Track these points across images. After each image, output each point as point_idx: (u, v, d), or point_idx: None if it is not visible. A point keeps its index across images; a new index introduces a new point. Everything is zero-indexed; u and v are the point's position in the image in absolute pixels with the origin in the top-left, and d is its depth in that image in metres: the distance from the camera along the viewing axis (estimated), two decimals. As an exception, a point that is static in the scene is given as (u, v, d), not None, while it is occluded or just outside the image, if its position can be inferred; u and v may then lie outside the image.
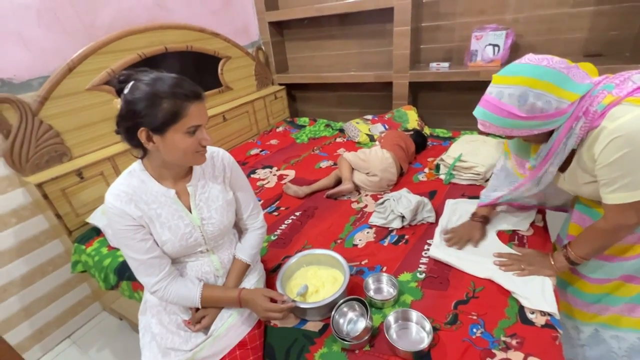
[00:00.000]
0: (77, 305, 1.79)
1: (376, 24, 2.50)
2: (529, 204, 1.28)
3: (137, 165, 0.87)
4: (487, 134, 2.11)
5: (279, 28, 2.86)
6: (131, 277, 1.30)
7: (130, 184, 0.85)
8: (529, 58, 0.84)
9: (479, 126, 0.93)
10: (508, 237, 1.22)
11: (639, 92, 0.78)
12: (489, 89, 0.88)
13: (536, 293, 0.94)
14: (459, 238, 1.20)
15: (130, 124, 0.76)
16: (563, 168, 0.97)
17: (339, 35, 2.71)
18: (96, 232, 1.56)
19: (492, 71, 2.02)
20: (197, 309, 0.96)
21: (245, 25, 2.67)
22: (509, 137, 0.94)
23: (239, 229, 1.13)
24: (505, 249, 1.16)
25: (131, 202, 0.83)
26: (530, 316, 0.91)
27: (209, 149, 0.97)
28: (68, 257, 1.63)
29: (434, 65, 2.30)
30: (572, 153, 0.92)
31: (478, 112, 0.91)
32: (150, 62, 1.89)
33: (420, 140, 2.03)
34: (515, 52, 2.08)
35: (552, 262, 1.02)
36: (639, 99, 0.76)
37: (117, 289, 1.43)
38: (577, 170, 0.92)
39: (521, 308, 0.93)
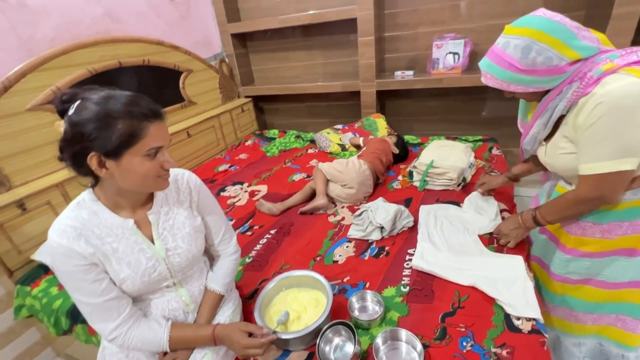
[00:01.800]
0: (24, 354, 1.56)
1: (341, 35, 2.52)
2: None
3: (87, 195, 0.76)
4: (454, 140, 2.17)
5: (242, 40, 2.79)
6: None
7: (78, 216, 0.73)
8: (543, 12, 0.84)
9: (482, 78, 0.93)
10: (487, 240, 1.23)
11: (639, 64, 0.77)
12: (498, 39, 0.88)
13: (519, 299, 0.94)
14: (481, 183, 1.41)
15: (77, 148, 0.66)
16: (547, 138, 0.97)
17: (305, 46, 2.69)
18: (43, 270, 1.38)
19: (454, 78, 2.13)
20: (165, 353, 0.85)
21: (206, 38, 2.57)
22: (510, 94, 0.94)
23: (210, 256, 1.03)
24: (487, 252, 1.17)
25: (80, 237, 0.72)
26: (516, 322, 0.90)
27: (172, 171, 0.88)
28: (10, 300, 1.42)
29: (398, 73, 2.34)
30: (558, 124, 0.91)
31: (483, 62, 0.91)
32: (103, 78, 1.74)
33: (402, 154, 2.02)
34: (474, 59, 2.17)
35: (520, 221, 1.09)
36: (636, 70, 0.76)
37: (70, 333, 1.26)
38: (559, 140, 0.92)
39: (507, 315, 0.92)
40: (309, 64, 2.76)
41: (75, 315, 1.19)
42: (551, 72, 0.83)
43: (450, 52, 2.16)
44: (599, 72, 0.79)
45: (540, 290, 1.14)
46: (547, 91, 0.89)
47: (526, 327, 0.88)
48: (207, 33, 2.58)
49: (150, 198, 0.83)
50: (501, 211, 1.36)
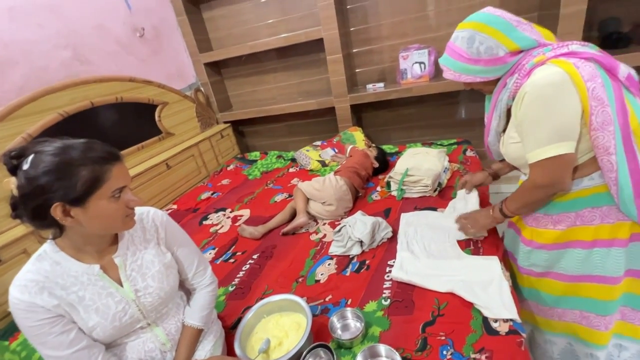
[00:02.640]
0: (9, 412, 1.50)
1: (311, 54, 2.59)
2: None
3: (48, 247, 0.76)
4: (430, 145, 2.22)
5: (216, 68, 2.85)
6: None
7: (40, 269, 0.73)
8: (488, 9, 0.92)
9: (443, 73, 1.00)
10: (464, 243, 1.24)
11: (566, 56, 0.82)
12: (451, 35, 0.95)
13: (495, 300, 0.95)
14: (464, 182, 1.39)
15: (39, 201, 0.66)
16: (504, 130, 1.02)
17: (278, 68, 2.76)
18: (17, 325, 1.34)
19: (423, 86, 2.20)
20: (144, 397, 0.84)
21: (179, 69, 2.62)
22: (466, 85, 0.99)
23: (187, 291, 1.02)
24: (464, 256, 1.18)
25: (43, 291, 0.71)
26: (494, 325, 0.91)
27: (138, 210, 0.88)
28: (-10, 357, 1.38)
29: (370, 86, 2.40)
30: (509, 114, 0.97)
31: (442, 58, 0.99)
32: (76, 119, 1.76)
33: (382, 166, 2.03)
34: (439, 67, 2.24)
35: (491, 213, 1.10)
36: (562, 61, 0.81)
37: (53, 385, 1.22)
38: (510, 129, 0.97)
39: (485, 318, 0.93)
40: (284, 84, 2.82)
41: (56, 366, 1.16)
42: (494, 62, 0.89)
43: (416, 62, 2.24)
44: (531, 64, 0.85)
45: (513, 284, 1.16)
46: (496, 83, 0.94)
47: (503, 328, 0.89)
48: (179, 65, 2.62)
49: (114, 241, 0.83)
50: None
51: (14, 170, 0.67)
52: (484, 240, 1.23)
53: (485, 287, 1.01)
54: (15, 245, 1.40)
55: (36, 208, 0.67)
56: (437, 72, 2.26)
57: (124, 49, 2.16)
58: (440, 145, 2.23)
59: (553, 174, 0.87)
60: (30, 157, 0.67)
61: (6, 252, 1.37)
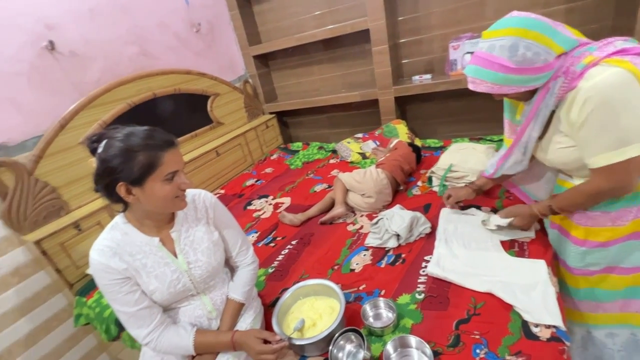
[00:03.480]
0: (84, 358, 1.77)
1: (357, 46, 2.57)
2: (526, 194, 1.29)
3: (119, 219, 0.89)
4: (478, 141, 2.11)
5: (264, 60, 2.95)
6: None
7: (113, 237, 0.86)
8: (517, 13, 0.86)
9: (469, 85, 0.94)
10: (508, 244, 1.19)
11: (619, 54, 0.79)
12: (480, 44, 0.89)
13: (538, 305, 0.91)
14: (447, 196, 1.39)
15: (108, 180, 0.78)
16: (541, 136, 0.98)
17: (324, 59, 2.78)
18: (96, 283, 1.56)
19: (474, 78, 2.08)
20: (194, 357, 0.94)
21: (230, 62, 2.76)
22: (499, 96, 0.96)
23: (231, 268, 1.12)
24: (506, 257, 1.13)
25: (115, 255, 0.84)
26: (534, 330, 0.87)
27: (190, 191, 0.98)
28: (71, 310, 1.63)
29: (416, 78, 2.33)
30: (550, 119, 0.93)
31: (469, 69, 0.92)
32: (140, 109, 1.96)
33: (416, 155, 1.99)
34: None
35: (535, 211, 1.07)
36: (618, 60, 0.77)
37: (118, 339, 1.42)
38: (554, 135, 0.93)
39: (525, 322, 0.90)
40: (329, 76, 2.84)
41: (121, 323, 1.34)
42: (542, 69, 0.84)
43: (468, 52, 2.12)
44: (582, 66, 0.80)
45: (563, 289, 1.10)
46: (534, 90, 0.89)
47: (545, 334, 0.85)
48: (231, 57, 2.77)
49: (172, 218, 0.94)
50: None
51: (93, 152, 0.79)
52: (530, 242, 1.16)
53: (527, 290, 0.97)
54: (92, 217, 1.62)
55: (107, 185, 0.79)
56: (491, 62, 2.12)
57: (182, 44, 2.34)
58: (490, 141, 2.11)
59: (621, 178, 0.83)
60: (104, 142, 0.78)
61: (85, 223, 1.60)
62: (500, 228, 1.20)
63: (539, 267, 1.04)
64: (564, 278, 1.10)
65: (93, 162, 0.79)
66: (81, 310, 1.53)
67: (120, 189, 0.78)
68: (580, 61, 0.81)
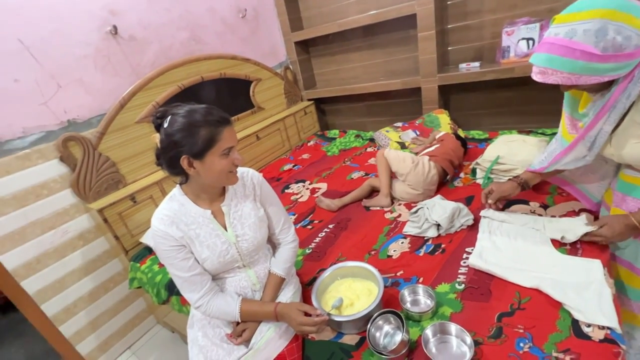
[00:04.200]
0: (135, 318, 1.95)
1: (400, 31, 2.50)
2: (582, 192, 1.20)
3: (176, 191, 0.96)
4: (527, 134, 1.99)
5: (304, 46, 2.96)
6: (180, 293, 1.39)
7: (171, 207, 0.93)
8: None
9: (536, 76, 0.86)
10: (559, 243, 1.13)
11: None
12: (554, 30, 0.80)
13: (592, 305, 0.86)
14: (488, 191, 1.26)
15: (172, 153, 0.84)
16: (612, 129, 0.89)
17: (364, 46, 2.74)
18: (148, 250, 1.70)
19: (528, 66, 1.94)
20: (238, 323, 1.01)
21: (273, 48, 2.81)
22: (570, 87, 0.87)
23: (273, 245, 1.17)
24: (557, 255, 1.08)
25: (173, 224, 0.91)
26: (586, 330, 0.83)
27: (240, 170, 1.03)
28: (126, 274, 1.80)
29: (463, 66, 2.23)
30: (626, 111, 0.84)
31: (538, 59, 0.83)
32: (189, 91, 2.06)
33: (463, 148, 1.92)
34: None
35: (633, 220, 0.93)
36: None
37: (167, 303, 1.55)
38: (630, 127, 0.84)
39: (575, 321, 0.86)
40: (369, 63, 2.79)
41: (171, 288, 1.46)
42: (633, 55, 0.75)
43: (523, 38, 1.98)
44: None
45: (623, 290, 1.04)
46: (611, 80, 0.80)
47: (598, 335, 0.81)
48: (273, 43, 2.81)
49: (223, 193, 1.00)
50: (579, 211, 1.23)
51: (158, 127, 0.86)
52: (584, 241, 1.09)
53: (580, 290, 0.92)
54: (145, 191, 1.76)
55: (171, 158, 0.85)
56: (549, 49, 1.97)
57: (229, 29, 2.41)
58: (542, 134, 1.98)
59: None
60: (169, 118, 0.84)
61: (140, 196, 1.73)
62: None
63: (594, 267, 0.98)
64: (626, 281, 1.02)
65: (156, 138, 0.86)
66: (135, 274, 1.68)
67: (184, 162, 0.84)
68: None
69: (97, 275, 1.76)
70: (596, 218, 1.20)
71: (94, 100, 1.71)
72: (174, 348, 1.85)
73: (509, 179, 1.28)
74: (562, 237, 1.10)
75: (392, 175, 1.70)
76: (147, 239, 1.68)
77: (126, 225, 1.70)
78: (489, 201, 1.26)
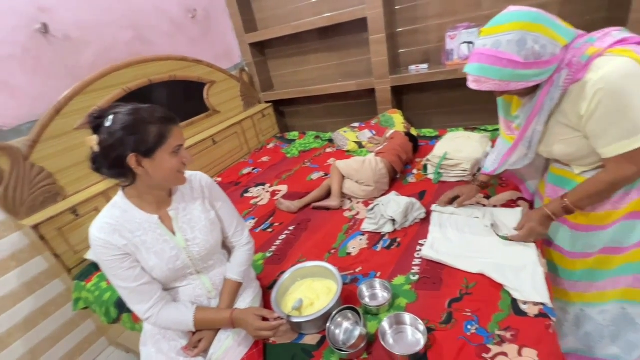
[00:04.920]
0: (83, 342, 1.79)
1: (354, 35, 2.57)
2: (523, 182, 1.32)
3: (118, 197, 0.90)
4: (473, 130, 2.14)
5: (260, 48, 2.93)
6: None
7: (113, 215, 0.87)
8: (514, 8, 0.85)
9: (471, 84, 0.91)
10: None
11: (620, 44, 0.81)
12: (482, 42, 0.87)
13: (527, 284, 0.95)
14: (447, 195, 1.35)
15: (118, 152, 0.79)
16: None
17: (320, 48, 2.77)
18: (95, 267, 1.57)
19: (469, 68, 2.10)
20: (194, 333, 0.97)
21: (226, 49, 2.74)
22: (503, 93, 0.94)
23: (229, 250, 1.14)
24: (497, 240, 1.17)
25: (115, 232, 0.85)
26: (523, 307, 0.91)
27: (187, 173, 1.00)
28: (69, 295, 1.64)
29: (413, 68, 2.34)
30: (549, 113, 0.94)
31: (472, 68, 0.89)
32: (136, 95, 1.94)
33: (413, 145, 2.02)
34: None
35: (548, 213, 1.03)
36: (622, 50, 0.79)
37: (118, 322, 1.44)
38: (554, 127, 0.94)
39: (514, 300, 0.93)
40: (325, 65, 2.83)
41: (122, 305, 1.36)
42: (550, 62, 0.83)
43: (464, 42, 2.13)
44: (586, 57, 0.81)
45: (557, 271, 1.15)
46: (535, 85, 0.90)
47: (532, 311, 0.89)
48: (227, 45, 2.74)
49: (169, 197, 0.95)
50: (517, 200, 1.35)
51: (96, 128, 0.80)
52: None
53: (517, 271, 1.01)
54: (89, 203, 1.62)
55: (116, 158, 0.79)
56: (487, 52, 2.14)
57: (178, 30, 2.31)
58: (484, 130, 2.14)
59: (638, 163, 0.85)
60: (111, 117, 0.79)
61: (83, 208, 1.60)
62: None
63: (529, 250, 1.08)
64: (559, 263, 1.13)
65: (92, 140, 0.80)
66: (80, 294, 1.54)
67: (131, 160, 0.79)
68: (583, 52, 0.81)
69: (34, 299, 1.59)
70: (531, 206, 1.33)
71: (22, 106, 1.55)
72: (129, 369, 1.73)
73: (469, 182, 1.36)
74: (492, 225, 1.21)
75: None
76: (92, 255, 1.55)
77: (67, 242, 1.55)
78: (454, 205, 1.35)
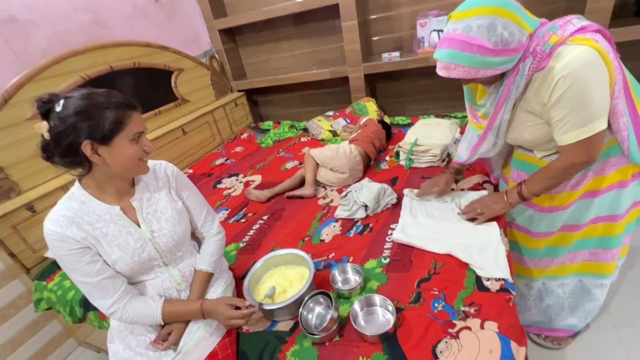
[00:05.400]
0: (49, 344, 1.70)
1: (326, 21, 2.53)
2: (490, 166, 1.38)
3: (75, 188, 0.84)
4: (443, 117, 2.18)
5: (230, 35, 2.83)
6: (97, 306, 1.25)
7: (69, 207, 0.82)
8: None
9: (440, 71, 0.89)
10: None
11: (580, 32, 0.83)
12: (451, 27, 0.84)
13: (490, 262, 0.99)
14: (425, 186, 1.34)
15: (71, 139, 0.73)
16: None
17: (292, 35, 2.72)
18: (57, 266, 1.48)
19: (440, 55, 2.13)
20: (163, 326, 0.94)
21: (194, 36, 2.63)
22: (470, 81, 0.93)
23: (199, 241, 1.11)
24: (465, 223, 1.21)
25: (72, 224, 0.80)
26: (486, 283, 0.95)
27: (151, 162, 0.96)
28: (30, 296, 1.55)
29: (385, 55, 2.35)
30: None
31: (441, 54, 0.86)
32: (97, 83, 1.82)
33: (386, 132, 2.05)
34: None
35: (506, 199, 1.08)
36: (582, 38, 0.81)
37: (85, 321, 1.38)
38: (520, 115, 0.96)
39: (478, 278, 0.98)
40: (298, 53, 2.78)
41: (87, 304, 1.30)
42: (517, 50, 0.83)
43: (434, 30, 2.16)
44: (549, 46, 0.82)
45: (520, 251, 1.22)
46: (501, 74, 0.90)
47: (494, 286, 0.93)
48: (195, 31, 2.63)
49: (132, 187, 0.91)
50: (483, 183, 1.40)
51: (46, 114, 0.74)
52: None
53: (482, 250, 1.05)
54: (47, 198, 1.53)
55: (68, 145, 0.74)
56: (456, 40, 2.18)
57: (141, 13, 2.18)
58: (454, 117, 2.20)
59: (593, 150, 0.89)
60: (62, 101, 0.74)
61: (40, 204, 1.50)
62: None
63: (492, 230, 1.12)
64: (523, 243, 1.20)
65: (43, 127, 0.74)
66: (41, 294, 1.46)
67: (86, 148, 0.74)
68: (546, 41, 0.82)
69: (-10, 302, 1.49)
70: (496, 188, 1.38)
71: (-35, 94, 1.42)
72: (101, 369, 1.67)
73: (443, 173, 1.35)
74: (460, 209, 1.25)
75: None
76: (51, 252, 1.46)
77: (24, 240, 1.46)
78: (434, 197, 1.34)
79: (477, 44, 0.80)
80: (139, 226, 0.89)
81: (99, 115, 0.74)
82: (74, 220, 0.81)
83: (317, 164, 1.73)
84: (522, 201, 1.06)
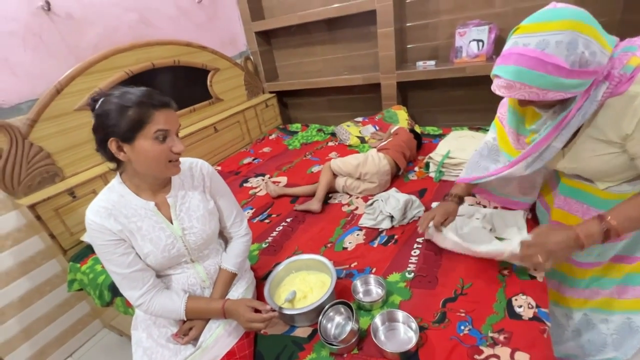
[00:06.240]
0: (77, 323, 1.80)
1: (361, 27, 2.52)
2: (510, 199, 1.26)
3: (115, 181, 0.88)
4: (477, 130, 2.11)
5: (266, 37, 2.89)
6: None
7: (109, 199, 0.86)
8: (560, 4, 0.71)
9: (500, 90, 0.77)
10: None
11: None
12: (521, 40, 0.72)
13: (514, 233, 0.97)
14: (433, 216, 1.11)
15: (101, 136, 0.79)
16: (565, 144, 0.87)
17: (326, 40, 2.73)
18: (90, 249, 1.57)
19: (479, 66, 2.06)
20: (185, 322, 0.97)
21: (232, 37, 2.70)
22: (530, 103, 0.80)
23: (225, 239, 1.13)
24: (496, 242, 1.14)
25: (110, 216, 0.84)
26: (517, 310, 0.90)
27: (188, 160, 0.98)
28: (65, 276, 1.65)
29: (420, 64, 2.30)
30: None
31: (505, 70, 0.74)
32: (138, 78, 1.92)
33: (417, 142, 1.98)
34: (499, 46, 2.08)
35: (583, 240, 0.79)
36: None
37: (112, 305, 1.44)
38: (586, 142, 0.84)
39: (509, 302, 0.93)
40: (331, 57, 2.79)
41: (115, 289, 1.35)
42: (594, 73, 0.70)
43: (474, 40, 2.09)
44: (630, 69, 0.72)
45: (563, 280, 1.12)
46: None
47: (527, 314, 0.88)
48: (232, 32, 2.70)
49: (168, 183, 0.94)
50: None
51: (94, 110, 0.80)
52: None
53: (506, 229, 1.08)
54: (87, 185, 1.62)
55: (101, 141, 0.80)
56: (496, 51, 2.10)
57: (183, 14, 2.27)
58: (488, 131, 2.10)
59: None
60: (101, 99, 0.78)
61: (80, 190, 1.59)
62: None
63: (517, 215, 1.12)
64: (568, 273, 1.09)
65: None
66: (75, 275, 1.55)
67: (112, 145, 0.78)
68: (624, 63, 0.72)
69: (30, 279, 1.59)
70: (532, 210, 1.29)
71: (23, 84, 1.53)
72: (122, 353, 1.74)
73: (447, 201, 1.18)
74: (491, 229, 1.17)
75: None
76: (88, 237, 1.54)
77: (64, 223, 1.55)
78: (435, 229, 1.16)
79: (553, 62, 0.68)
80: (171, 222, 0.92)
81: (122, 113, 0.76)
82: (112, 213, 0.84)
83: (334, 178, 1.69)
84: (605, 241, 0.80)
